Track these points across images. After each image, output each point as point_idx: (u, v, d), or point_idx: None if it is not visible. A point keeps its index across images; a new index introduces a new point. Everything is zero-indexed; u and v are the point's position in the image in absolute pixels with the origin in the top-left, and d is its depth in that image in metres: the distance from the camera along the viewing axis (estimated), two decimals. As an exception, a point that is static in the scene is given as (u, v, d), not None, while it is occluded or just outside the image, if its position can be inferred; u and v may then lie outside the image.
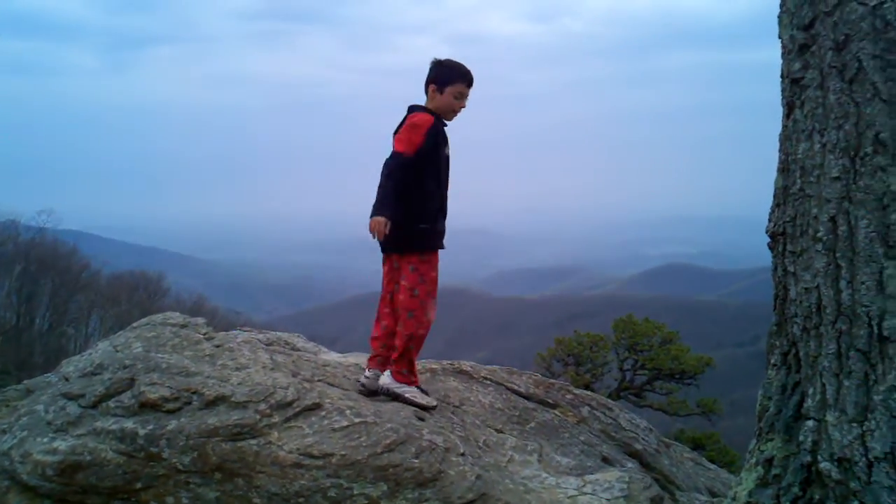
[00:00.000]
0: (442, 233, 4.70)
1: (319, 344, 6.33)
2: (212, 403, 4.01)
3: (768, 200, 3.56)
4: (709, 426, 18.96)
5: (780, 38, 3.42)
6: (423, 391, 4.73)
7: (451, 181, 4.75)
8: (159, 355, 4.41)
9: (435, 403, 4.67)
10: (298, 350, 5.51)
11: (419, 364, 5.73)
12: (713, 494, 5.44)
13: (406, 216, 4.48)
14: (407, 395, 4.61)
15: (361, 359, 5.67)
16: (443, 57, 4.69)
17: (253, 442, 3.85)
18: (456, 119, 4.69)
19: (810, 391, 3.24)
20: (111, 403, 4.04)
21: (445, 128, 4.69)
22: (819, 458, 3.14)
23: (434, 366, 5.74)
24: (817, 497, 3.14)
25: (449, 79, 4.60)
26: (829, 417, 3.13)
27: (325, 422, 4.05)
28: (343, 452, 3.84)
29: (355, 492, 3.72)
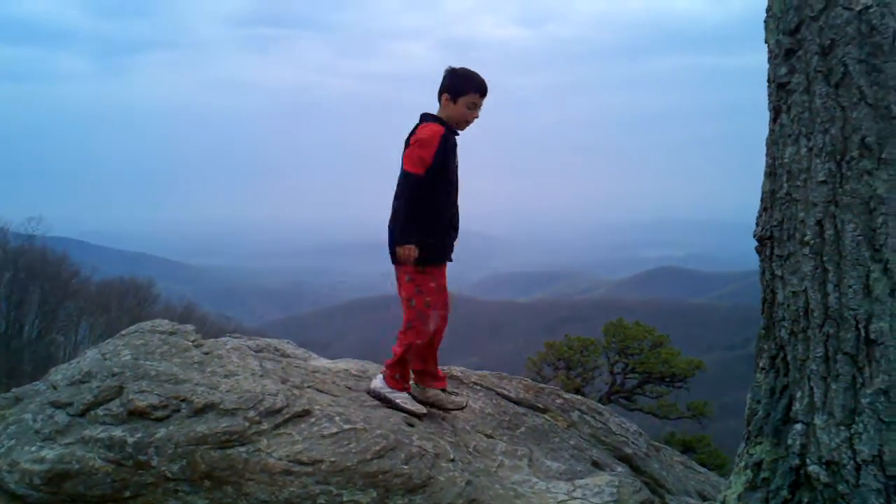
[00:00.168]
0: (447, 246, 4.65)
1: (310, 350, 6.31)
2: (201, 411, 4.00)
3: (758, 204, 3.57)
4: (699, 429, 18.99)
5: (766, 42, 3.44)
6: (414, 398, 4.73)
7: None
8: (148, 363, 4.39)
9: (424, 411, 4.66)
10: (288, 356, 5.50)
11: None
12: (703, 498, 5.44)
13: (415, 231, 4.46)
14: (398, 401, 4.60)
15: (352, 365, 5.66)
16: (457, 65, 4.59)
17: (242, 449, 3.84)
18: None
19: (798, 394, 3.24)
20: (99, 411, 4.02)
21: (457, 136, 4.62)
22: (807, 461, 3.15)
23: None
24: (806, 500, 3.15)
25: (463, 89, 4.50)
26: (817, 421, 3.13)
27: (315, 428, 4.04)
28: (332, 459, 3.83)
29: (345, 498, 3.71)
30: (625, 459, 5.22)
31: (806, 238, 3.20)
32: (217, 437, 3.86)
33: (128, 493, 3.74)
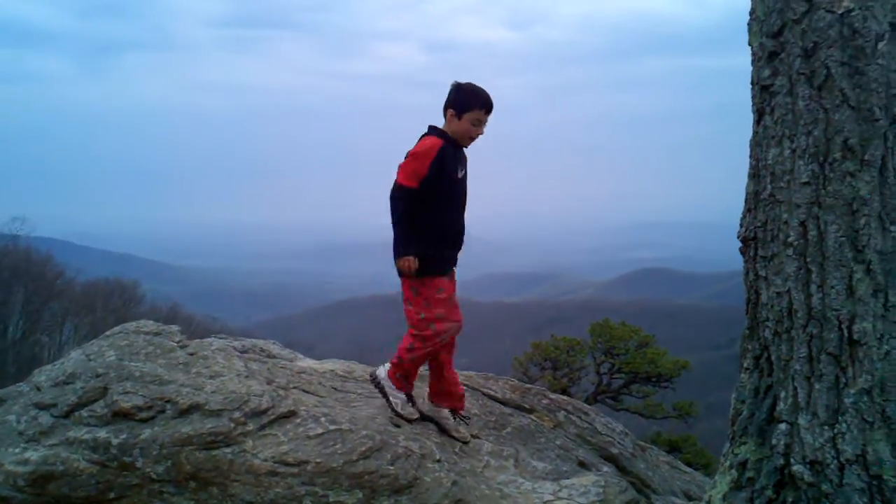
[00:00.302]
0: (447, 258, 4.58)
1: (296, 350, 6.30)
2: (186, 412, 3.98)
3: (742, 205, 3.59)
4: (685, 429, 19.04)
5: (749, 45, 3.46)
6: (411, 400, 4.67)
7: None
8: (133, 364, 4.37)
9: (415, 418, 4.60)
10: (274, 357, 5.49)
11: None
12: (689, 498, 5.47)
13: (415, 242, 4.44)
14: (392, 401, 4.58)
15: (338, 365, 5.65)
16: (463, 80, 4.55)
17: (227, 450, 3.83)
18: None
19: (782, 394, 3.26)
20: (84, 413, 4.00)
21: (463, 150, 4.58)
22: (792, 460, 3.17)
23: (410, 372, 5.73)
24: (790, 500, 3.16)
25: (467, 105, 4.47)
26: (801, 420, 3.15)
27: (300, 429, 4.04)
28: (318, 460, 3.83)
29: (331, 499, 3.71)
30: (611, 459, 5.23)
31: (789, 239, 3.22)
32: (202, 438, 3.85)
33: (112, 495, 3.73)
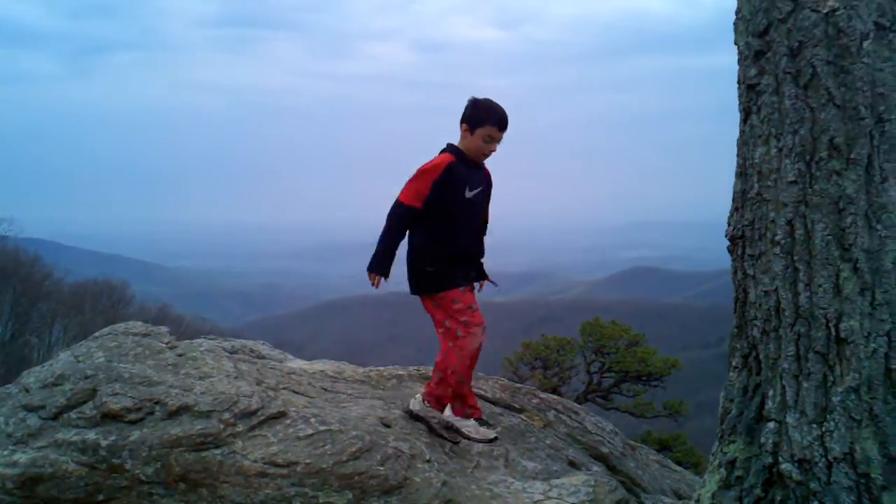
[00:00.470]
0: (458, 276, 4.47)
1: (286, 351, 6.29)
2: (175, 413, 3.97)
3: (730, 204, 3.60)
4: (675, 427, 19.11)
5: (736, 44, 3.47)
6: (481, 422, 4.58)
7: None
8: (121, 365, 4.35)
9: (493, 436, 4.49)
10: (263, 358, 5.48)
11: (386, 370, 5.72)
12: (679, 496, 5.48)
13: (415, 260, 4.43)
14: (465, 430, 4.49)
15: (328, 366, 5.65)
16: (480, 96, 4.48)
17: (217, 451, 3.82)
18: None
19: (770, 393, 3.28)
20: (72, 414, 3.99)
21: (481, 167, 4.52)
22: (780, 459, 3.18)
23: (401, 372, 5.73)
24: (779, 498, 3.18)
25: (480, 121, 4.39)
26: (790, 419, 3.17)
27: (290, 430, 4.03)
28: (308, 461, 3.82)
29: (320, 500, 3.71)
30: (601, 458, 5.24)
31: (776, 238, 3.23)
32: (192, 439, 3.83)
33: (101, 497, 3.72)
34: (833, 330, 3.09)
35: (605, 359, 19.22)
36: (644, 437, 17.20)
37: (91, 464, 3.75)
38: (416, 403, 4.60)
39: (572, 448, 5.16)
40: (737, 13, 3.45)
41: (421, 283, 4.46)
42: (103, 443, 3.80)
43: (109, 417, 3.93)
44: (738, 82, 3.47)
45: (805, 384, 3.14)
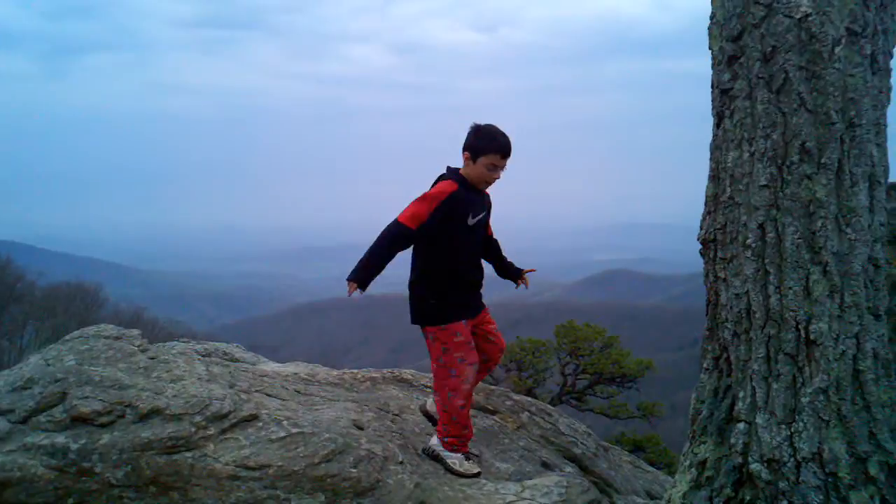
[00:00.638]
0: (459, 304, 4.44)
1: (261, 353, 6.26)
2: (146, 416, 3.93)
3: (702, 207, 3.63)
4: (649, 429, 19.19)
5: (710, 49, 3.50)
6: (467, 456, 4.51)
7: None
8: (92, 368, 4.31)
9: (476, 471, 4.41)
10: (237, 360, 5.45)
11: (360, 372, 5.71)
12: (651, 497, 5.51)
13: (416, 289, 4.40)
14: (448, 461, 4.42)
15: (301, 368, 5.63)
16: (482, 122, 4.41)
17: (188, 455, 3.79)
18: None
19: (741, 394, 3.30)
20: (42, 418, 3.93)
21: (482, 194, 4.47)
22: (750, 459, 3.21)
23: (374, 374, 5.72)
24: (748, 498, 3.20)
25: (483, 149, 4.30)
26: (759, 420, 3.20)
27: (262, 433, 4.01)
28: (280, 463, 3.80)
29: (293, 503, 3.69)
30: (574, 459, 5.26)
31: (748, 241, 3.26)
32: (163, 442, 3.80)
33: (71, 501, 3.67)
34: (803, 332, 3.12)
35: (579, 361, 19.27)
36: (618, 438, 17.28)
37: (60, 468, 3.70)
38: (434, 441, 4.52)
39: (545, 449, 5.18)
40: (711, 18, 3.47)
41: (424, 315, 4.41)
42: (73, 446, 3.75)
43: (79, 421, 3.89)
44: (712, 86, 3.50)
45: (775, 385, 3.17)
